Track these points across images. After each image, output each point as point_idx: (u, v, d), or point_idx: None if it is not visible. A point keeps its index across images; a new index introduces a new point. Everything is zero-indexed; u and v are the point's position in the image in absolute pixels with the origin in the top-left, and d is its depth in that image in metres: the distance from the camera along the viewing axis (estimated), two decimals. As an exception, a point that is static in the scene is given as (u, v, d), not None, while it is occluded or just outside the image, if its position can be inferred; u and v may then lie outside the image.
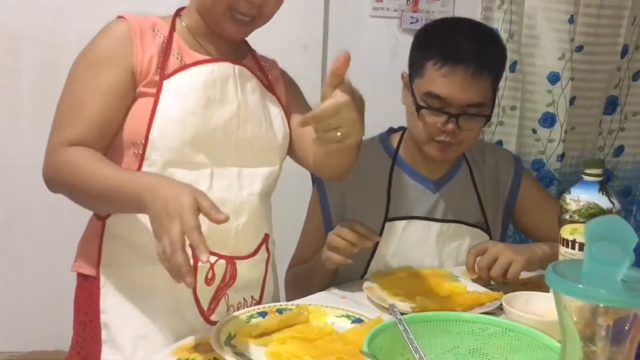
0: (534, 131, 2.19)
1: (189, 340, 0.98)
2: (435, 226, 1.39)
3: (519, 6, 2.09)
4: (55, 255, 2.20)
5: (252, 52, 1.23)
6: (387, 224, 1.38)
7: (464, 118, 1.30)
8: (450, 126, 1.29)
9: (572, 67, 2.11)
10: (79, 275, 1.14)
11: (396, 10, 2.29)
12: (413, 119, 1.35)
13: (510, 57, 2.09)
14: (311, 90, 2.24)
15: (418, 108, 1.32)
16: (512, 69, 2.11)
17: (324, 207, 1.43)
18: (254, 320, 1.00)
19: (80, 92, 1.05)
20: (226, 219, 0.87)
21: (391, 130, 1.51)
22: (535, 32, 2.11)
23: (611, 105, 2.27)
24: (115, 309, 1.07)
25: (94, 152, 1.02)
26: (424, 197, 1.42)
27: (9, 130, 2.23)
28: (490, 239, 1.42)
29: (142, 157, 1.05)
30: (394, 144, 1.47)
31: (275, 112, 1.19)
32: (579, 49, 2.11)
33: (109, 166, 1.00)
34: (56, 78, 2.12)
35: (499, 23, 2.10)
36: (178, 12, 1.16)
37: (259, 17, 1.10)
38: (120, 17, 1.09)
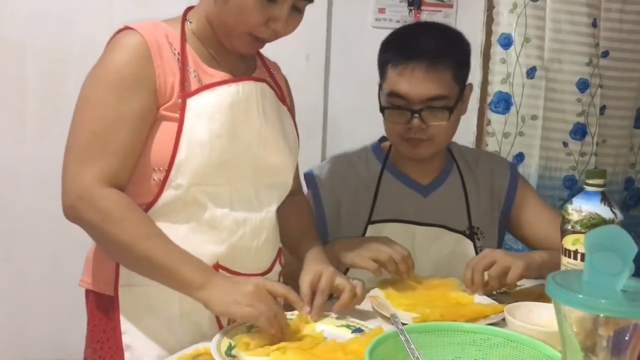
0: (565, 144, 2.09)
1: (191, 350, 0.98)
2: (418, 230, 1.41)
3: (537, 10, 2.03)
4: (58, 265, 2.21)
5: (260, 57, 1.22)
6: (370, 226, 1.41)
7: (426, 112, 1.32)
8: (415, 121, 1.33)
9: (600, 73, 2.03)
10: (91, 292, 1.12)
11: (398, 21, 2.30)
12: (385, 123, 1.40)
13: (527, 62, 2.04)
14: (313, 99, 2.27)
15: (382, 109, 1.37)
16: (531, 74, 2.06)
17: (318, 212, 1.43)
18: (254, 331, 0.99)
19: (107, 118, 1.00)
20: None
21: (383, 139, 1.53)
22: (561, 37, 2.04)
23: None
24: (137, 329, 1.06)
25: (135, 207, 1.00)
26: (413, 201, 1.43)
27: (13, 139, 2.24)
28: (474, 246, 1.42)
29: (164, 182, 1.03)
30: (385, 151, 1.49)
31: (289, 125, 1.19)
32: (605, 54, 2.05)
33: (157, 236, 1.00)
34: (61, 88, 2.17)
35: (511, 27, 2.05)
36: (186, 14, 1.11)
37: (273, 39, 1.08)
38: (128, 27, 1.03)
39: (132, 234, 0.98)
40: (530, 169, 2.19)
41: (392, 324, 0.89)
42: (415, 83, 1.31)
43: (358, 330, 1.05)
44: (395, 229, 1.40)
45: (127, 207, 1.00)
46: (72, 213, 1.00)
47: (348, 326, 1.06)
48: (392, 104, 1.35)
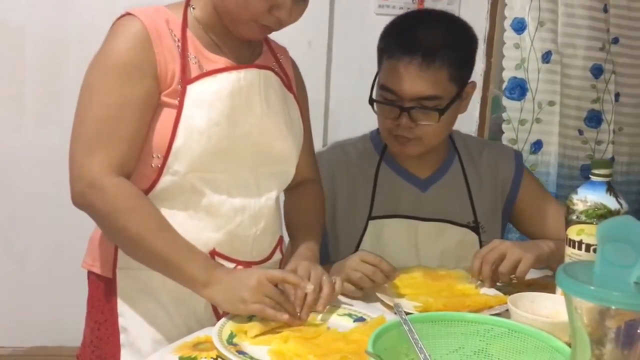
0: (581, 132, 2.05)
1: (192, 338, 0.97)
2: (421, 225, 1.37)
3: None
4: (58, 251, 2.20)
5: (267, 41, 1.19)
6: (371, 222, 1.36)
7: (416, 111, 1.26)
8: (404, 120, 1.27)
9: (612, 59, 2.01)
10: (92, 273, 1.13)
11: (402, 8, 2.28)
12: (377, 116, 1.35)
13: (542, 46, 2.01)
14: (314, 87, 2.25)
15: (371, 101, 1.32)
16: (546, 59, 2.03)
17: None
18: (255, 319, 0.99)
19: (111, 105, 0.99)
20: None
21: None
22: (574, 21, 2.01)
23: None
24: (133, 312, 1.07)
25: (144, 199, 1.01)
26: (411, 196, 1.39)
27: (12, 126, 2.22)
28: (480, 239, 1.39)
29: (162, 168, 1.03)
30: (384, 142, 1.43)
31: (294, 113, 1.17)
32: (615, 40, 2.03)
33: (165, 229, 1.00)
34: (60, 73, 2.15)
35: (524, 12, 2.02)
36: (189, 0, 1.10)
37: (279, 27, 1.07)
38: (129, 13, 1.03)
39: (141, 226, 0.98)
40: (549, 157, 2.13)
41: (395, 313, 0.89)
42: (407, 80, 1.24)
43: (360, 319, 1.04)
44: (397, 224, 1.36)
45: (137, 198, 1.00)
46: (82, 201, 1.00)
47: (350, 315, 1.05)
48: (383, 98, 1.29)
